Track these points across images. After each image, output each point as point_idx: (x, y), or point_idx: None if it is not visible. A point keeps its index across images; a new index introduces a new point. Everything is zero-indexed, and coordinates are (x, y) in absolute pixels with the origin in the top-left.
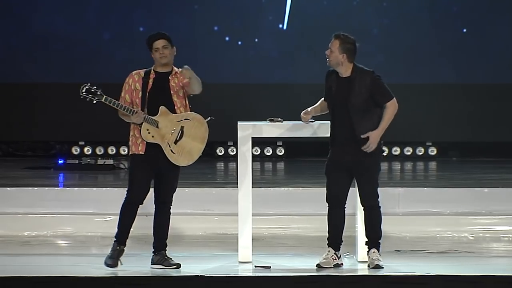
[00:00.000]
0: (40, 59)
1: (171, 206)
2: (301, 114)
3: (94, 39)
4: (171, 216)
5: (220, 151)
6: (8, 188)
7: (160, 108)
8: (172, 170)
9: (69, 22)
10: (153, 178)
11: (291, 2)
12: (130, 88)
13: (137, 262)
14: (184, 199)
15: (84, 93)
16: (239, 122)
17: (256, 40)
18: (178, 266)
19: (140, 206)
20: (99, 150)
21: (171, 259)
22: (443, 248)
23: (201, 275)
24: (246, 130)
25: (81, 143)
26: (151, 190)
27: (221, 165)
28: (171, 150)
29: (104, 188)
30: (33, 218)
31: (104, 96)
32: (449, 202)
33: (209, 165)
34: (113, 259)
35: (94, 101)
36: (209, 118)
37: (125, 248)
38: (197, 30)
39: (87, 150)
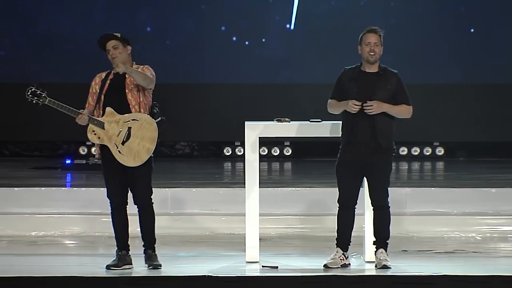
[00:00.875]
0: (47, 59)
1: (152, 204)
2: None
3: None
4: (167, 216)
5: (227, 151)
6: (16, 188)
7: (106, 109)
8: (136, 171)
9: (75, 22)
10: (126, 177)
11: (299, 2)
12: (92, 91)
13: (143, 262)
14: (191, 199)
15: (30, 96)
16: (246, 122)
17: (263, 40)
18: (156, 267)
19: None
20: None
21: (156, 259)
22: (450, 248)
23: (208, 275)
24: (254, 130)
25: (89, 143)
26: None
27: (228, 165)
28: (119, 151)
29: None
30: (40, 218)
31: (48, 99)
32: (457, 202)
33: (216, 165)
34: (112, 264)
35: (40, 104)
36: (160, 119)
37: (128, 253)
38: (204, 30)
39: (94, 150)
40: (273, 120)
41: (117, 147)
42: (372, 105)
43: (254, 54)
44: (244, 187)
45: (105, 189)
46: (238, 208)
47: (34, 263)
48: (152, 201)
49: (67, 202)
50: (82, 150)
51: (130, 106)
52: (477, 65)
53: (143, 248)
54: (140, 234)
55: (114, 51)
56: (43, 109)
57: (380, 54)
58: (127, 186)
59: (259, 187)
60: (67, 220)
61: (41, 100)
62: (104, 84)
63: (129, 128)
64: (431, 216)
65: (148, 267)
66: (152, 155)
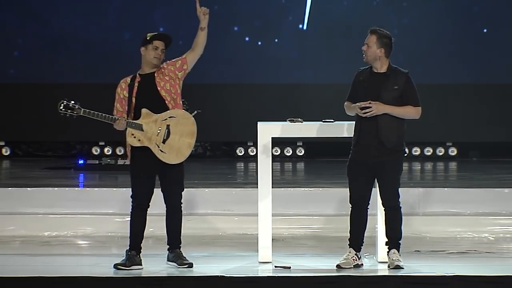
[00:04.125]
0: (61, 59)
1: (181, 205)
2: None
3: (115, 39)
4: (188, 215)
5: (240, 151)
6: (29, 189)
7: (142, 110)
8: (171, 171)
9: (89, 23)
10: (155, 179)
11: (311, 2)
12: (119, 97)
13: (156, 262)
14: (204, 199)
15: (63, 110)
16: (259, 123)
17: (276, 40)
18: (190, 265)
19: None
20: (119, 151)
21: (185, 258)
22: (463, 248)
23: (221, 276)
24: (266, 131)
25: (101, 143)
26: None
27: (241, 166)
28: (161, 150)
29: (124, 189)
30: (53, 218)
31: (82, 109)
32: (470, 202)
33: (229, 166)
34: (121, 263)
35: (74, 116)
36: (195, 112)
37: (138, 254)
38: (217, 31)
39: (107, 150)
40: (286, 121)
41: (159, 147)
42: (370, 107)
43: (267, 55)
44: (257, 188)
45: (123, 189)
46: (250, 208)
47: (47, 263)
48: (182, 201)
49: (80, 202)
50: (95, 151)
51: (166, 102)
52: (491, 65)
53: (168, 247)
54: (147, 235)
55: (161, 53)
56: (56, 109)
57: (375, 55)
58: (153, 188)
59: (272, 187)
60: (80, 220)
61: (75, 112)
62: (132, 88)
63: (168, 126)
64: (444, 217)
65: (179, 265)
66: (194, 149)
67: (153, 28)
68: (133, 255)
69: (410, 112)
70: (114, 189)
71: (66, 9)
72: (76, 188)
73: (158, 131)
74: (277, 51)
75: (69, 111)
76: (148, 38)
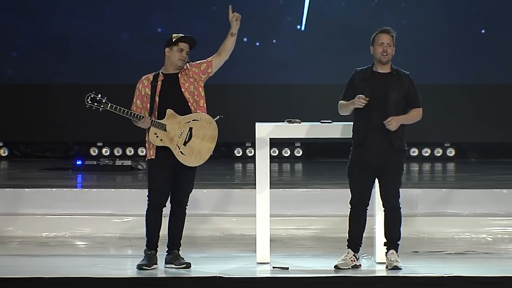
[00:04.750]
0: (59, 60)
1: (186, 207)
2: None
3: (113, 39)
4: (186, 216)
5: (238, 152)
6: (27, 189)
7: (167, 111)
8: (186, 171)
9: (87, 23)
10: (172, 180)
11: (309, 3)
12: (140, 93)
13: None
14: (202, 200)
15: (89, 102)
16: (257, 123)
17: (274, 41)
18: (188, 265)
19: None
20: (117, 151)
21: (183, 258)
22: (461, 249)
23: (219, 276)
24: (264, 131)
25: (99, 144)
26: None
27: (239, 166)
28: (181, 152)
29: (122, 189)
30: (51, 219)
31: (109, 104)
32: (468, 203)
33: (227, 166)
34: (144, 264)
35: (100, 110)
36: (218, 117)
37: (156, 253)
38: (215, 31)
39: (105, 151)
40: (284, 121)
41: (179, 148)
42: (391, 122)
43: (265, 55)
44: (255, 188)
45: (121, 190)
46: (249, 209)
47: (45, 264)
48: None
49: (78, 203)
50: (93, 151)
51: (189, 104)
52: (488, 66)
53: (168, 248)
54: (143, 235)
55: (186, 55)
56: (55, 109)
57: (393, 54)
58: (170, 189)
59: (270, 188)
60: (78, 221)
61: (102, 106)
62: (155, 86)
63: (190, 129)
64: (442, 217)
65: (178, 266)
66: (212, 153)
67: (151, 29)
68: (153, 254)
69: (415, 115)
70: (112, 190)
71: (64, 9)
72: (74, 189)
73: (181, 133)
74: (275, 52)
75: (96, 104)
76: (174, 40)
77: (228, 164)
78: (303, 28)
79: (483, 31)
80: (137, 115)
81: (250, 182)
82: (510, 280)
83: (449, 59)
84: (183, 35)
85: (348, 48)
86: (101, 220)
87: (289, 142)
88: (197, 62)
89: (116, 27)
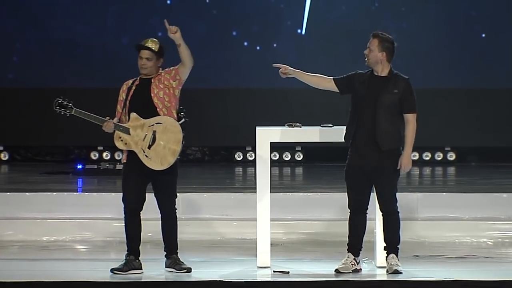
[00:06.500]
0: (59, 64)
1: (175, 211)
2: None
3: (113, 44)
4: (186, 220)
5: (238, 156)
6: (27, 193)
7: (131, 114)
8: (163, 176)
9: (88, 27)
10: (147, 185)
11: (310, 7)
12: (120, 99)
13: (154, 267)
14: (203, 204)
15: (57, 108)
16: (257, 127)
17: (275, 45)
18: (189, 270)
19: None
20: (118, 155)
21: (183, 263)
22: (461, 253)
23: (219, 280)
24: (265, 135)
25: (100, 148)
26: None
27: (239, 170)
28: (146, 155)
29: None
30: (51, 223)
31: (74, 109)
32: (468, 207)
33: (228, 170)
34: (117, 268)
35: (67, 115)
36: (183, 120)
37: (137, 258)
38: (216, 35)
39: (106, 155)
40: (284, 125)
41: (144, 152)
42: (403, 167)
43: (266, 59)
44: (255, 192)
45: (118, 193)
46: (249, 213)
47: (45, 268)
48: (176, 207)
49: (78, 207)
50: (94, 155)
51: (158, 109)
52: (489, 70)
53: (166, 254)
54: (145, 239)
55: (146, 62)
56: (55, 114)
57: (376, 58)
58: (145, 192)
59: (270, 192)
60: (78, 225)
61: (68, 111)
62: (130, 91)
63: (154, 132)
64: (443, 221)
65: (178, 271)
66: (179, 157)
67: (151, 33)
68: (132, 259)
69: (412, 130)
70: (113, 194)
71: (65, 14)
72: (75, 193)
73: (145, 136)
74: (275, 56)
75: (62, 109)
76: (135, 47)
77: (228, 168)
78: (303, 32)
79: (483, 35)
80: (100, 118)
81: (250, 186)
82: (510, 284)
83: (450, 63)
84: (141, 43)
85: (348, 52)
86: (101, 224)
87: (290, 146)
88: (170, 68)
89: (116, 32)
